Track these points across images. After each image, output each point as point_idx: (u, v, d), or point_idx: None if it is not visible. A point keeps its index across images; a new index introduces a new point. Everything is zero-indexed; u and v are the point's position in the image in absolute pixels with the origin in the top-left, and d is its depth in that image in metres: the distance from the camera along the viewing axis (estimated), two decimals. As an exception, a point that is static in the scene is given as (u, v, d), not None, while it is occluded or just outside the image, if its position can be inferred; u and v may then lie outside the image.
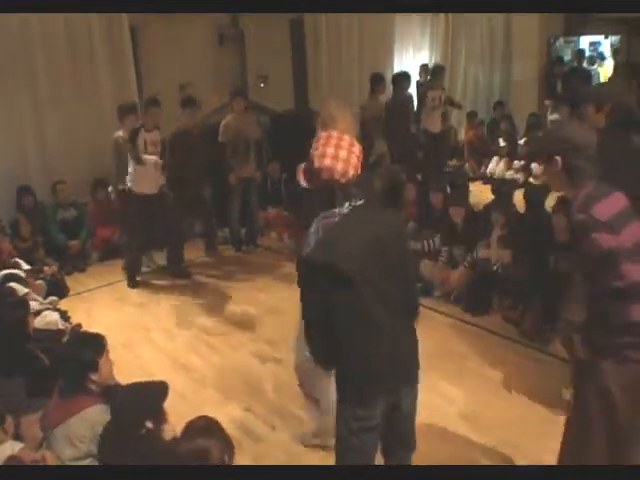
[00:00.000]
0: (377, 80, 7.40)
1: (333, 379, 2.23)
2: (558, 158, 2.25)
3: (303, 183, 2.16)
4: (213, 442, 2.10)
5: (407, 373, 2.16)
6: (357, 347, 2.04)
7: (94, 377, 2.79)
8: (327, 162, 2.05)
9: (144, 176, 5.43)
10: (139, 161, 5.30)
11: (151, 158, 5.39)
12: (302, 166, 2.16)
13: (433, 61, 9.94)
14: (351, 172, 2.07)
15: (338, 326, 2.00)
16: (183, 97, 6.15)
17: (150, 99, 5.55)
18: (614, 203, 2.23)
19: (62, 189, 6.18)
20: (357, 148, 2.12)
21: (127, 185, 5.51)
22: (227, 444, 2.15)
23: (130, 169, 5.43)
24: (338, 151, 2.05)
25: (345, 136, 2.12)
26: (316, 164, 2.06)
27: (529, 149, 8.14)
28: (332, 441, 2.33)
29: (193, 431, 2.17)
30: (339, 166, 2.04)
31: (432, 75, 8.09)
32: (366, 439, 2.12)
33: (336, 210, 2.08)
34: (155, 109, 5.42)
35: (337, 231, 2.03)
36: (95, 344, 2.88)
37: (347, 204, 2.07)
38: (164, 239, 6.04)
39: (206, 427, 2.20)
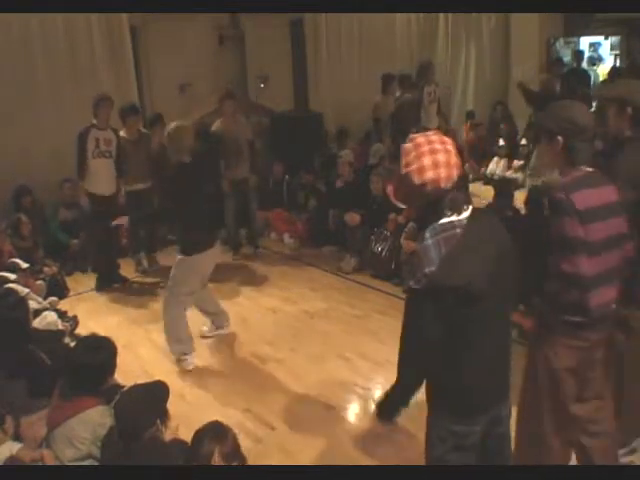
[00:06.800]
0: (389, 80, 7.54)
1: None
2: (560, 138, 2.22)
3: (402, 205, 1.97)
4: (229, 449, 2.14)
5: (505, 389, 2.09)
6: (469, 363, 1.92)
7: (110, 379, 2.82)
8: (429, 175, 1.80)
9: (95, 176, 5.46)
10: (81, 162, 5.39)
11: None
12: (391, 187, 1.94)
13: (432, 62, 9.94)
14: (455, 173, 1.84)
15: (453, 344, 1.88)
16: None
17: (102, 96, 5.44)
18: (600, 195, 2.21)
19: (69, 187, 6.17)
20: (450, 143, 1.88)
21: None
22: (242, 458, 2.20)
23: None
24: (436, 157, 1.81)
25: (433, 136, 1.89)
26: (416, 181, 1.82)
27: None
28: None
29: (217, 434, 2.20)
30: (443, 173, 1.81)
31: (422, 72, 8.06)
32: (461, 458, 2.00)
33: (452, 219, 1.85)
34: (107, 107, 5.37)
35: (464, 246, 1.82)
36: (111, 346, 2.90)
37: (460, 210, 1.87)
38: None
39: (219, 432, 2.23)
